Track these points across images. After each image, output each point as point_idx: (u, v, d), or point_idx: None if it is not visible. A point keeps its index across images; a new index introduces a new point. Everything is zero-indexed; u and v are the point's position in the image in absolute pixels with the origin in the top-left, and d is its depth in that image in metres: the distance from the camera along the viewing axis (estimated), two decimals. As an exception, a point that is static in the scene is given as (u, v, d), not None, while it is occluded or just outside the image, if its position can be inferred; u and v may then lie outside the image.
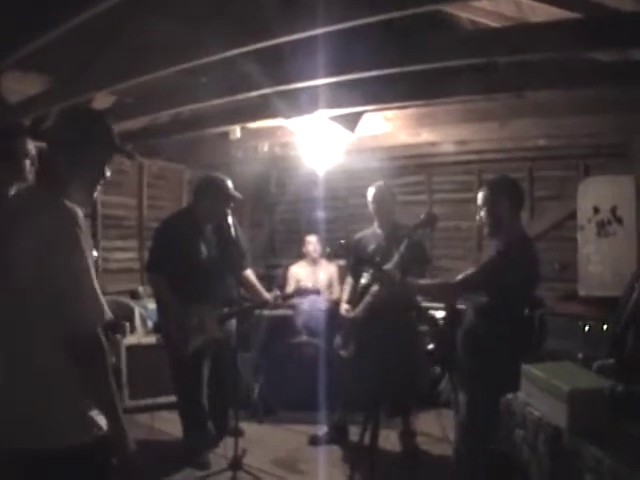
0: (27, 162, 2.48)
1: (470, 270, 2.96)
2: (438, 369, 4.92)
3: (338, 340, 4.22)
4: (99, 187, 1.88)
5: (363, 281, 4.11)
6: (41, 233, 1.60)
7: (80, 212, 1.67)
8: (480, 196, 3.10)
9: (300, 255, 6.03)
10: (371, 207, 4.17)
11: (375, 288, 3.81)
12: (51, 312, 1.57)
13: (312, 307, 5.24)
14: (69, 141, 1.76)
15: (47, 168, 1.81)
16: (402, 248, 3.30)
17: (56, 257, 1.58)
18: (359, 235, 4.36)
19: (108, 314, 1.67)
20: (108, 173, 1.86)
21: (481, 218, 3.09)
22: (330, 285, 5.73)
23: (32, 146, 2.50)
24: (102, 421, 1.66)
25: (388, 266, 3.41)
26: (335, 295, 5.46)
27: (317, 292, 4.51)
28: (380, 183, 4.20)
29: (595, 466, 1.62)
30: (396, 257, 3.34)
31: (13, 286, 1.61)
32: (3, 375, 1.64)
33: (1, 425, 1.63)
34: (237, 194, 3.87)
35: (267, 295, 4.06)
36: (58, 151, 1.77)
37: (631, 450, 1.63)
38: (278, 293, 4.14)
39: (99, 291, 1.65)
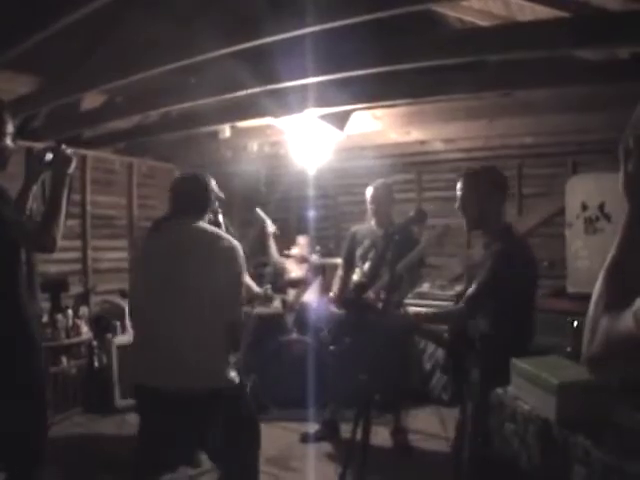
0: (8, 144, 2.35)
1: (473, 286, 2.69)
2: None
3: (325, 334, 4.23)
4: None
5: (355, 277, 4.13)
6: (224, 257, 2.53)
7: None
8: (463, 185, 2.81)
9: (290, 254, 6.04)
10: (369, 206, 4.17)
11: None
12: (220, 306, 2.47)
13: (302, 304, 5.25)
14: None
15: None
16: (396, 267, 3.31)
17: (231, 274, 2.51)
18: (354, 228, 4.39)
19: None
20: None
21: (461, 209, 2.81)
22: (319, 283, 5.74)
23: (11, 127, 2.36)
24: (236, 377, 2.55)
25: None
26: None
27: (305, 283, 4.51)
28: (378, 182, 4.21)
29: (584, 457, 1.65)
30: (386, 276, 3.36)
31: (199, 288, 2.46)
32: (188, 338, 2.43)
33: (176, 372, 2.39)
34: (221, 193, 3.87)
35: (258, 289, 4.05)
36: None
37: (620, 441, 1.65)
38: (269, 288, 4.12)
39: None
